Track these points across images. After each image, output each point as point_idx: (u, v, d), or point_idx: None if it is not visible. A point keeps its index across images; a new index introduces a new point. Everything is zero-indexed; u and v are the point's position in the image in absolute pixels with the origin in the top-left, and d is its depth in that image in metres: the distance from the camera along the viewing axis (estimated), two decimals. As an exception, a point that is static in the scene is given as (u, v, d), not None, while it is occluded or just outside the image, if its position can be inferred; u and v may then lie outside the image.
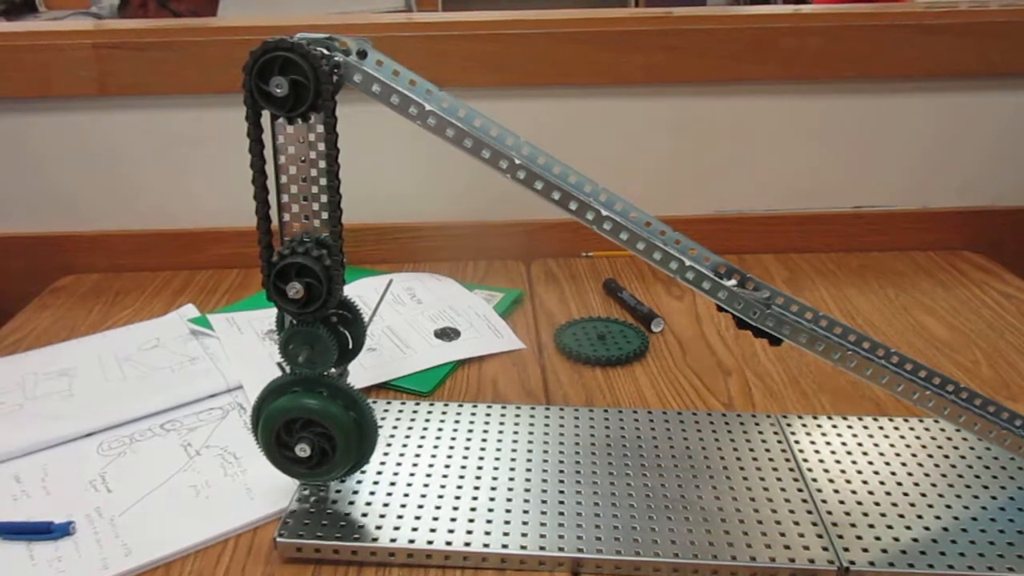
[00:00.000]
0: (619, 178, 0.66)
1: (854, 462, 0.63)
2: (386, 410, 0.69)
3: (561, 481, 0.60)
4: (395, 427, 0.67)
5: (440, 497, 0.59)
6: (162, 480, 0.62)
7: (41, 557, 0.55)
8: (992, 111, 1.00)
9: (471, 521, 0.56)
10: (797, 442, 0.65)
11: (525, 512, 0.57)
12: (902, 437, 0.66)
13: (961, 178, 1.03)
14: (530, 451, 0.64)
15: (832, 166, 1.02)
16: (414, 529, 0.56)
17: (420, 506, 0.58)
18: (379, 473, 0.61)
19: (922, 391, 0.55)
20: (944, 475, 0.61)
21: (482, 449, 0.64)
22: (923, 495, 0.59)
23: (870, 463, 0.63)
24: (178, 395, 0.73)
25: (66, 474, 0.63)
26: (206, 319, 0.85)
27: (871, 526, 0.56)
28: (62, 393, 0.73)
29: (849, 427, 0.67)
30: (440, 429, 0.67)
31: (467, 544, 0.54)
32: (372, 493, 0.59)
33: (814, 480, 0.61)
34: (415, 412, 0.69)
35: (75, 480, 0.62)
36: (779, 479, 0.61)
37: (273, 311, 0.56)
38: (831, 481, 0.61)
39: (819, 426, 0.67)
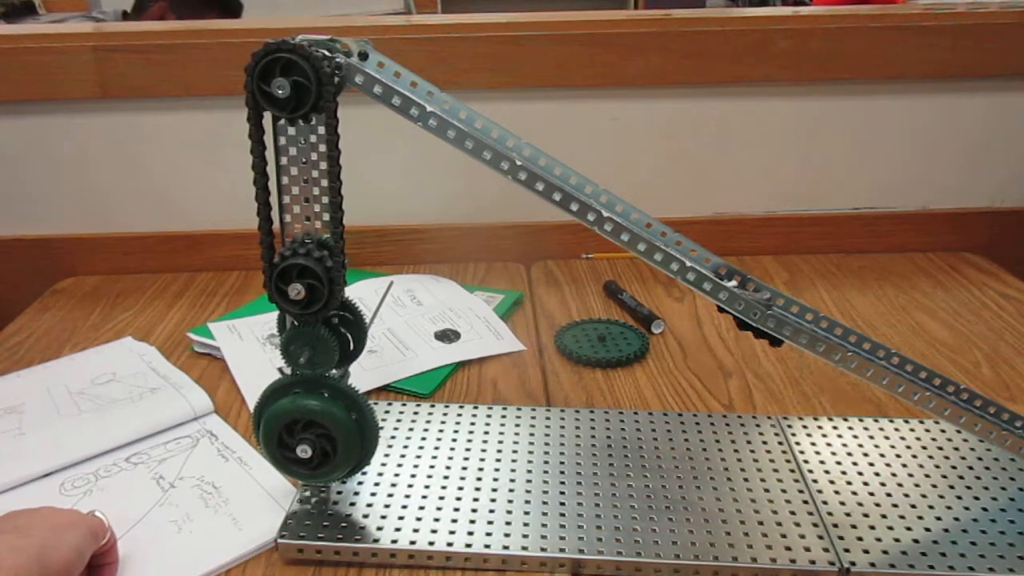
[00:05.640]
0: (619, 180, 0.66)
1: (855, 463, 0.63)
2: (387, 412, 0.69)
3: (562, 482, 0.60)
4: (396, 429, 0.67)
5: (441, 498, 0.59)
6: (138, 517, 0.58)
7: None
8: (991, 112, 1.00)
9: (472, 522, 0.56)
10: (798, 443, 0.65)
11: (526, 513, 0.57)
12: (903, 438, 0.66)
13: (960, 179, 1.03)
14: (531, 452, 0.64)
15: (831, 167, 1.03)
16: (415, 530, 0.56)
17: (421, 507, 0.58)
18: (380, 475, 0.61)
19: (923, 392, 0.55)
20: (945, 476, 0.62)
21: (483, 450, 0.64)
22: (924, 496, 0.59)
23: (871, 464, 0.63)
24: (141, 426, 0.68)
25: None
26: (207, 328, 0.84)
27: (872, 527, 0.56)
28: (11, 432, 0.68)
29: (850, 428, 0.67)
30: (441, 431, 0.67)
31: (468, 545, 0.54)
32: (373, 494, 0.59)
33: (815, 481, 0.61)
34: (416, 414, 0.69)
35: None
36: (780, 480, 0.61)
37: (273, 316, 0.56)
38: (832, 482, 0.61)
39: (820, 427, 0.67)
